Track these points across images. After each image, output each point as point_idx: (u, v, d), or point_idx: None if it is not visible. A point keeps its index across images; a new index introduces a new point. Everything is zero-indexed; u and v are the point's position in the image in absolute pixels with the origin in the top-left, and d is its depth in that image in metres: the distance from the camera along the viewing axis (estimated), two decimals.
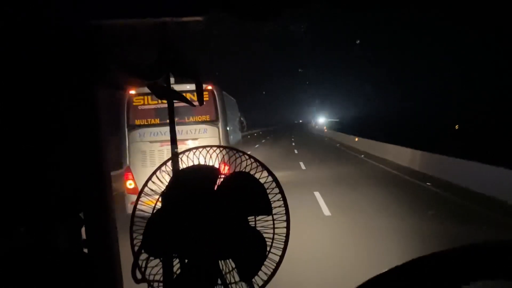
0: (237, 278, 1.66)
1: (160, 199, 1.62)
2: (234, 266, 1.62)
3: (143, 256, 1.61)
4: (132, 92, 9.54)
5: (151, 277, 1.64)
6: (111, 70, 1.68)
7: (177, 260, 1.60)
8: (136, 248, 1.65)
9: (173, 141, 1.76)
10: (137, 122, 9.65)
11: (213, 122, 9.83)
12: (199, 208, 1.54)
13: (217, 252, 1.55)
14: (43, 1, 1.56)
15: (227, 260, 1.62)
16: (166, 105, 1.92)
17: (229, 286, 1.65)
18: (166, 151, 9.34)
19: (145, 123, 9.61)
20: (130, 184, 9.68)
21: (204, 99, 9.15)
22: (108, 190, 1.75)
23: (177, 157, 1.73)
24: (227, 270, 1.65)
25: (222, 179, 1.61)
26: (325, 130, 71.59)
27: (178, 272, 1.60)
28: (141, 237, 1.60)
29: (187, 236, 1.53)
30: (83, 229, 1.69)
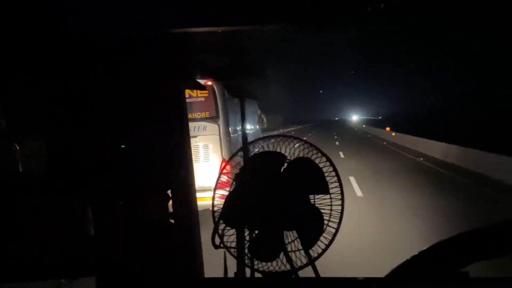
0: (296, 247, 1.96)
1: (235, 179, 1.94)
2: (295, 236, 1.92)
3: (221, 226, 1.94)
4: None
5: (227, 244, 1.97)
6: (194, 73, 2.00)
7: (249, 231, 1.92)
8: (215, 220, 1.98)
9: (244, 135, 2.06)
10: None
11: (213, 119, 9.40)
12: (268, 187, 1.85)
13: (283, 225, 1.85)
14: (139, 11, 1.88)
15: (290, 232, 1.92)
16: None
17: (290, 253, 1.95)
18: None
19: None
20: None
21: (204, 95, 9.14)
22: (190, 172, 2.09)
23: (247, 146, 2.04)
24: (289, 240, 1.95)
25: (287, 163, 1.92)
26: (363, 126, 71.37)
27: (249, 240, 1.93)
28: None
29: (258, 210, 1.85)
30: (170, 204, 2.04)
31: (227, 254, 1.99)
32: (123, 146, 1.96)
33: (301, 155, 1.95)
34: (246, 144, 2.04)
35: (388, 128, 39.52)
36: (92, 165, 1.95)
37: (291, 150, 1.96)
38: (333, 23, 1.63)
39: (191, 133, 9.45)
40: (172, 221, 2.01)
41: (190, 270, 2.06)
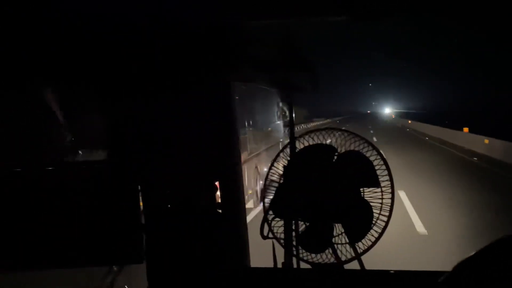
0: (345, 240, 1.97)
1: (284, 172, 1.96)
2: (342, 230, 1.93)
3: (270, 217, 1.97)
4: None
5: (275, 235, 1.99)
6: (243, 66, 2.02)
7: (298, 222, 1.94)
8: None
9: (292, 130, 2.06)
10: None
11: None
12: (318, 179, 1.87)
13: (332, 217, 1.87)
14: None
15: (337, 225, 1.94)
16: None
17: (337, 246, 1.96)
18: None
19: None
20: None
21: None
22: (238, 163, 2.13)
23: (295, 139, 2.05)
24: (336, 234, 1.96)
25: (337, 156, 1.93)
26: (393, 117, 67.16)
27: (298, 232, 1.95)
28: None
29: (308, 202, 1.87)
30: (217, 194, 2.08)
31: (275, 245, 2.01)
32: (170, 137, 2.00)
33: (350, 148, 1.95)
34: (293, 137, 2.05)
35: (466, 129, 23.98)
36: (144, 156, 2.00)
37: (340, 143, 1.96)
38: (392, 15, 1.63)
39: None
40: (220, 211, 2.05)
41: (237, 260, 2.09)
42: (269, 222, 1.96)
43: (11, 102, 2.11)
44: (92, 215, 1.99)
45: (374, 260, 1.97)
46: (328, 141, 1.97)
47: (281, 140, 14.88)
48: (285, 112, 16.19)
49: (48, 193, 2.00)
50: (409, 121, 52.07)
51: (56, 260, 2.06)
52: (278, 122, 15.20)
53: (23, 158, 2.19)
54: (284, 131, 15.65)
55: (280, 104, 15.11)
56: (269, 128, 14.16)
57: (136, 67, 1.93)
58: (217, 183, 2.04)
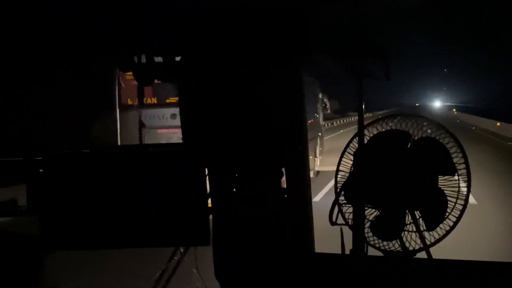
0: (413, 229, 1.93)
1: (355, 158, 1.94)
2: (415, 217, 1.89)
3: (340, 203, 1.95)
4: None
5: (343, 221, 1.98)
6: (314, 52, 2.00)
7: (370, 209, 1.92)
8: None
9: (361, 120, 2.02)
10: (130, 101, 7.56)
11: None
12: (392, 165, 1.83)
13: (407, 204, 1.83)
14: None
15: (408, 213, 1.90)
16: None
17: (406, 234, 1.93)
18: (165, 140, 7.37)
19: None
20: None
21: None
22: (305, 149, 2.11)
23: (364, 129, 2.02)
24: (407, 222, 1.92)
25: (412, 142, 1.88)
26: (455, 112, 64.01)
27: (369, 219, 1.92)
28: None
29: (381, 189, 1.84)
30: (283, 180, 2.07)
31: (344, 232, 1.99)
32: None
33: (424, 135, 1.90)
34: (362, 125, 2.02)
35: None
36: (212, 140, 2.02)
37: (414, 130, 1.91)
38: None
39: (167, 121, 7.31)
40: (285, 196, 2.05)
41: (302, 245, 2.09)
42: (340, 208, 1.94)
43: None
44: (160, 197, 2.03)
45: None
46: (403, 128, 1.92)
47: (319, 134, 14.13)
48: (326, 104, 15.54)
49: (119, 175, 2.05)
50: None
51: (125, 240, 2.12)
52: (317, 115, 14.18)
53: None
54: (324, 125, 15.22)
55: (320, 96, 14.61)
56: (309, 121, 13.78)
57: (206, 54, 1.94)
58: (283, 169, 2.04)
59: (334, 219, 1.97)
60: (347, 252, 1.99)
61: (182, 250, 2.28)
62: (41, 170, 2.03)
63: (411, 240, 1.94)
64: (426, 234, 1.90)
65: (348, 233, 2.01)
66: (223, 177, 2.06)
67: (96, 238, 2.08)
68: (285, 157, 2.02)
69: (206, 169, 2.04)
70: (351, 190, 1.92)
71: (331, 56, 2.06)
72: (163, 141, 7.14)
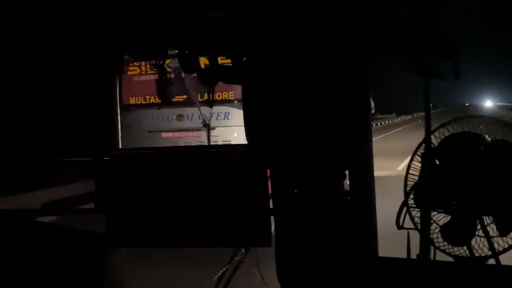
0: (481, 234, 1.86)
1: (422, 162, 1.89)
2: (481, 223, 1.82)
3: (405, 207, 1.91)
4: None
5: (409, 226, 1.93)
6: (380, 50, 1.96)
7: (438, 213, 1.86)
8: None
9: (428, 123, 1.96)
10: (132, 100, 6.67)
11: (239, 101, 5.98)
12: (464, 169, 1.77)
13: (480, 209, 1.77)
14: None
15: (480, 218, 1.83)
16: (170, 75, 2.08)
17: (476, 240, 1.86)
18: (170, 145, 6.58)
19: (142, 103, 6.63)
20: None
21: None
22: (370, 152, 2.08)
23: (431, 134, 1.96)
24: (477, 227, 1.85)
25: (485, 145, 1.81)
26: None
27: (439, 223, 1.87)
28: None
29: (452, 193, 1.78)
30: (346, 182, 2.05)
31: (410, 236, 1.94)
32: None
33: (498, 137, 1.83)
34: (429, 129, 1.96)
35: None
36: (274, 141, 2.02)
37: (486, 132, 1.84)
38: None
39: (199, 122, 5.96)
40: (348, 198, 2.02)
41: (365, 248, 2.05)
42: (409, 211, 1.90)
43: None
44: (222, 197, 2.05)
45: None
46: (474, 130, 1.85)
47: None
48: (370, 104, 15.35)
49: (183, 175, 2.09)
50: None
51: (188, 239, 2.16)
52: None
53: None
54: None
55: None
56: None
57: (272, 56, 1.95)
58: (346, 172, 2.02)
59: (401, 223, 1.93)
60: (413, 256, 1.94)
61: (243, 250, 2.30)
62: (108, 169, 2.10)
63: (480, 246, 1.87)
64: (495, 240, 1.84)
65: (414, 237, 1.97)
66: (286, 178, 2.05)
67: (160, 237, 2.13)
68: (349, 159, 1.99)
69: (268, 170, 2.05)
70: (421, 193, 1.87)
71: (397, 56, 2.02)
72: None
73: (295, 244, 2.04)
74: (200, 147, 2.39)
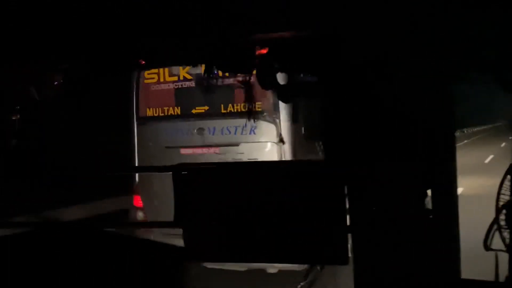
0: None
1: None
2: None
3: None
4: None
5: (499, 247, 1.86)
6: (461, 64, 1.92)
7: None
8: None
9: None
10: (149, 112, 5.92)
11: (268, 113, 5.40)
12: None
13: None
14: None
15: None
16: (190, 84, 2.04)
17: None
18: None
19: (160, 115, 5.89)
20: (139, 216, 5.86)
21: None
22: (453, 169, 2.03)
23: None
24: None
25: None
26: None
27: None
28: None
29: None
30: (428, 200, 2.00)
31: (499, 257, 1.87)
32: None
33: None
34: None
35: None
36: (352, 157, 2.00)
37: None
38: None
39: (229, 138, 5.42)
40: (430, 217, 1.97)
41: (447, 269, 1.99)
42: (501, 232, 1.83)
43: None
44: (299, 214, 2.04)
45: None
46: None
47: None
48: None
49: (260, 191, 2.09)
50: None
51: (263, 255, 2.16)
52: None
53: None
54: None
55: None
56: None
57: (352, 73, 1.94)
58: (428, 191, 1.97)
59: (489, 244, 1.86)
60: (502, 279, 1.87)
61: (319, 268, 2.28)
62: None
63: None
64: None
65: (503, 259, 1.90)
66: (364, 195, 2.02)
67: (236, 252, 2.13)
68: (431, 179, 1.95)
69: (346, 186, 2.03)
70: None
71: (483, 72, 1.98)
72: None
73: (374, 263, 2.01)
74: (277, 162, 2.39)
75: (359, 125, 1.93)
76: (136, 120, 5.87)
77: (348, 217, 2.04)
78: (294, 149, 5.34)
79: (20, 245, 1.84)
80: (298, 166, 2.23)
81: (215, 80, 3.51)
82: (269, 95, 5.02)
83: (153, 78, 5.78)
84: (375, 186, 1.99)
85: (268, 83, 2.10)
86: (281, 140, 5.28)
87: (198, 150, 5.61)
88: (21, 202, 4.71)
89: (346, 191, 2.03)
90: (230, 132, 5.47)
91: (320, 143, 5.01)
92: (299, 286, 2.17)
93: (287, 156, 5.25)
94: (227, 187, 2.13)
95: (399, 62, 1.83)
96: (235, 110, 5.44)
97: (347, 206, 2.05)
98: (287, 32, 1.80)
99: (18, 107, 2.31)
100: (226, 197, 2.10)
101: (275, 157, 5.21)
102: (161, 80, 5.73)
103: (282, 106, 5.19)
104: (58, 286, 1.70)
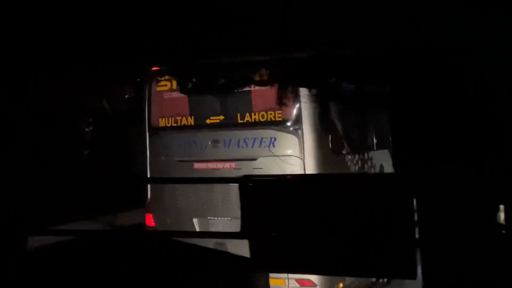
0: None
1: None
2: None
3: None
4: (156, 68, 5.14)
5: None
6: None
7: None
8: None
9: None
10: (162, 122, 5.38)
11: (290, 124, 4.80)
12: None
13: None
14: None
15: None
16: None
17: None
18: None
19: (173, 125, 5.31)
20: None
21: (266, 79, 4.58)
22: None
23: None
24: None
25: None
26: None
27: None
28: None
29: None
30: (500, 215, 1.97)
31: None
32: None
33: None
34: None
35: None
36: (421, 169, 1.99)
37: None
38: None
39: (246, 151, 4.71)
40: (503, 232, 1.94)
41: None
42: None
43: None
44: (366, 226, 2.04)
45: None
46: None
47: None
48: None
49: (325, 203, 2.10)
50: None
51: (329, 267, 2.16)
52: None
53: None
54: None
55: None
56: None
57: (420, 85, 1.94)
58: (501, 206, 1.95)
59: None
60: None
61: (385, 281, 2.26)
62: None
63: None
64: None
65: None
66: (433, 208, 2.01)
67: (302, 264, 2.15)
68: (504, 193, 1.93)
69: (415, 200, 2.01)
70: None
71: None
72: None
73: (445, 278, 1.99)
74: (345, 175, 2.39)
75: (430, 138, 1.93)
76: (148, 131, 5.33)
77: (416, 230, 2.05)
78: (320, 164, 4.67)
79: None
80: (366, 178, 2.22)
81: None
82: (291, 102, 4.54)
83: (166, 85, 5.12)
84: (445, 199, 1.98)
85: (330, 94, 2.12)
86: (303, 154, 4.61)
87: (212, 165, 4.99)
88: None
89: (415, 205, 2.03)
90: (247, 145, 4.85)
91: (350, 156, 4.93)
92: None
93: (312, 167, 4.63)
94: (293, 199, 2.14)
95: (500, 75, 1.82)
96: (253, 120, 4.78)
97: (416, 219, 2.04)
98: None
99: (91, 119, 2.39)
100: (293, 209, 2.11)
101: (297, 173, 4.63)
102: (174, 87, 5.05)
103: (305, 115, 4.55)
104: None
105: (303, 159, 4.59)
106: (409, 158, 2.01)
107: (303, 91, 4.29)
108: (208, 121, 4.97)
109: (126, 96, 2.23)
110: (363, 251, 2.08)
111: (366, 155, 5.26)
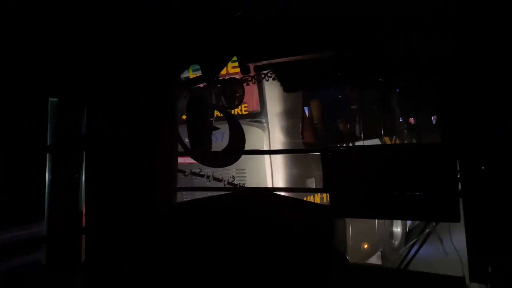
0: None
1: None
2: None
3: None
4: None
5: None
6: None
7: None
8: None
9: None
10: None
11: (255, 117, 4.62)
12: None
13: None
14: None
15: None
16: None
17: None
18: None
19: None
20: None
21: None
22: None
23: None
24: None
25: None
26: None
27: None
28: None
29: None
30: None
31: None
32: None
33: None
34: None
35: None
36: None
37: None
38: None
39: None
40: None
41: None
42: None
43: None
44: (420, 180, 2.55)
45: None
46: None
47: None
48: None
49: (385, 164, 2.73)
50: None
51: (392, 212, 2.81)
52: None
53: None
54: None
55: None
56: None
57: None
58: None
59: None
60: None
61: (434, 224, 2.65)
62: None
63: None
64: None
65: None
66: (475, 168, 2.34)
67: (372, 210, 2.78)
68: None
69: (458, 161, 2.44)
70: None
71: None
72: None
73: (485, 225, 2.27)
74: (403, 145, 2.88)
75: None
76: None
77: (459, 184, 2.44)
78: (287, 160, 4.48)
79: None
80: (419, 147, 2.78)
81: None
82: (256, 94, 4.41)
83: None
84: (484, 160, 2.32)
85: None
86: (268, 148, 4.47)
87: (189, 161, 4.70)
88: None
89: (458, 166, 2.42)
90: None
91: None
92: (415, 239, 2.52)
93: (278, 169, 4.46)
94: (361, 163, 2.81)
95: None
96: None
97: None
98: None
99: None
100: (361, 170, 2.77)
101: (263, 173, 4.46)
102: None
103: (271, 108, 4.46)
104: None
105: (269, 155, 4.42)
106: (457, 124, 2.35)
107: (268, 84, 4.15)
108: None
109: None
110: (418, 200, 2.61)
111: (349, 145, 5.54)
